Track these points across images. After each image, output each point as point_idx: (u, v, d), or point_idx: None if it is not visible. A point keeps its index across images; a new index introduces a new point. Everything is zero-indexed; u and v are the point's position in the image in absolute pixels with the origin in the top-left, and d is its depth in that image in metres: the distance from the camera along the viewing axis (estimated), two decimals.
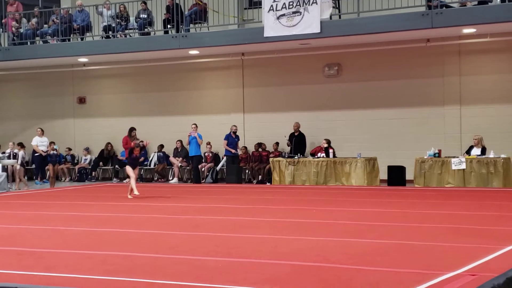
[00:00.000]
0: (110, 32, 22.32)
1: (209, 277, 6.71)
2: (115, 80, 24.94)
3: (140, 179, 21.66)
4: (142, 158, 21.36)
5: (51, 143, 21.80)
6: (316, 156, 19.98)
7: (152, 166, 23.41)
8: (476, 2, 18.11)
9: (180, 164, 22.80)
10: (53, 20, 23.30)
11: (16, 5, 24.14)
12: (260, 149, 22.07)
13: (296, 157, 19.90)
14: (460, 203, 14.02)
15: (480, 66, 19.95)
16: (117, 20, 22.19)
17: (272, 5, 19.34)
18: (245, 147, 22.17)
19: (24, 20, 23.97)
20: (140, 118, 23.79)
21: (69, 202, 15.58)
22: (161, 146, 23.43)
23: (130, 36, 22.41)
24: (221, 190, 18.70)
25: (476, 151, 18.26)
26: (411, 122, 20.52)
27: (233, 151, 21.19)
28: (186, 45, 20.88)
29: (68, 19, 22.80)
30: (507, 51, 19.66)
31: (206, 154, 22.43)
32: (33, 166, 23.13)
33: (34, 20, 23.48)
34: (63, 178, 24.35)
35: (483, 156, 17.87)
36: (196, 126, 21.26)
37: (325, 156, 19.65)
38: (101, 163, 24.36)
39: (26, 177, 21.93)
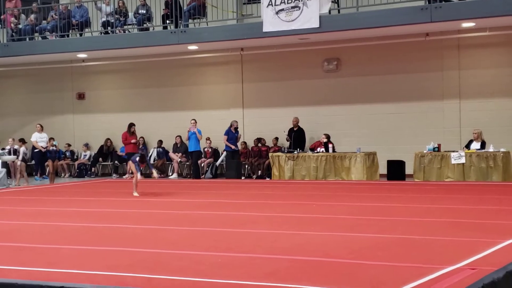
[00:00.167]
0: (109, 28, 22.31)
1: (209, 272, 6.71)
2: (114, 75, 24.93)
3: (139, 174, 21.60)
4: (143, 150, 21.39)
5: (51, 139, 21.78)
6: (315, 151, 19.97)
7: (151, 161, 23.40)
8: None
9: (179, 160, 22.80)
10: (52, 16, 23.28)
11: (14, 1, 24.12)
12: (259, 144, 22.07)
13: (295, 152, 19.89)
14: (460, 197, 14.03)
15: (479, 60, 19.95)
16: (116, 16, 22.17)
17: (271, 0, 19.31)
18: (245, 142, 22.17)
19: (22, 16, 23.95)
20: (139, 114, 23.78)
21: (68, 198, 15.58)
22: (161, 141, 23.43)
23: (129, 32, 22.39)
24: (220, 186, 18.71)
25: (475, 145, 18.26)
26: (410, 116, 20.52)
27: (233, 147, 21.18)
28: (185, 40, 20.86)
29: (67, 15, 22.79)
30: (506, 45, 19.65)
31: (206, 149, 22.43)
32: (33, 162, 23.13)
33: (32, 16, 23.46)
34: (62, 174, 24.36)
35: (483, 150, 17.86)
36: (196, 122, 21.25)
37: (324, 151, 19.64)
38: (100, 159, 24.37)
39: (26, 173, 21.93)
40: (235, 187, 18.11)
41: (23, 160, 21.81)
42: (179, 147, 23.03)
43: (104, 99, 24.98)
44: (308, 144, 21.27)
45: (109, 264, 7.24)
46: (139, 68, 24.02)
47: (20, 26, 23.49)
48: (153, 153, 23.47)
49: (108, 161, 24.42)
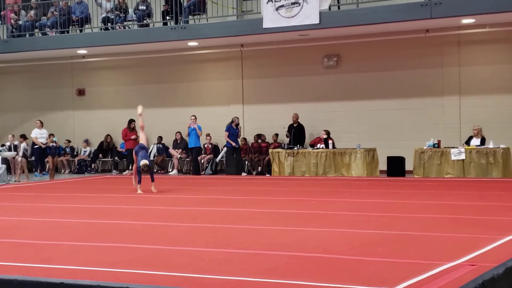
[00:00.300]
0: (109, 24, 22.29)
1: (209, 269, 6.71)
2: (114, 72, 24.93)
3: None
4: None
5: (51, 135, 21.79)
6: (315, 147, 19.98)
7: (151, 157, 23.40)
8: None
9: (179, 156, 22.81)
10: (52, 12, 23.26)
11: None
12: (259, 141, 22.07)
13: (295, 148, 19.90)
14: (460, 193, 14.03)
15: (479, 56, 19.95)
16: (116, 12, 22.16)
17: None
18: (245, 139, 22.18)
19: (22, 12, 23.94)
20: None
21: (68, 194, 15.57)
22: (160, 137, 23.43)
23: (129, 28, 22.38)
24: (220, 182, 18.71)
25: (475, 142, 18.26)
26: (410, 112, 20.52)
27: (233, 144, 21.15)
28: (185, 36, 20.85)
29: (67, 11, 22.78)
30: (506, 42, 19.66)
31: (206, 145, 22.43)
32: (33, 158, 23.13)
33: (32, 12, 23.44)
34: (62, 170, 24.36)
35: (483, 147, 17.87)
36: (196, 118, 21.25)
37: (324, 147, 19.65)
38: (100, 155, 24.37)
39: (27, 169, 21.94)
40: (235, 183, 18.10)
41: (24, 156, 21.80)
42: (179, 143, 23.03)
43: (104, 95, 24.98)
44: (308, 140, 21.28)
45: (109, 260, 7.25)
46: (139, 64, 24.02)
47: (20, 22, 23.48)
48: (153, 149, 23.47)
49: (108, 157, 24.42)
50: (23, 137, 23.17)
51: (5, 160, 20.95)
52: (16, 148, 21.97)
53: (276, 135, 21.87)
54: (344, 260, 7.07)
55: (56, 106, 25.48)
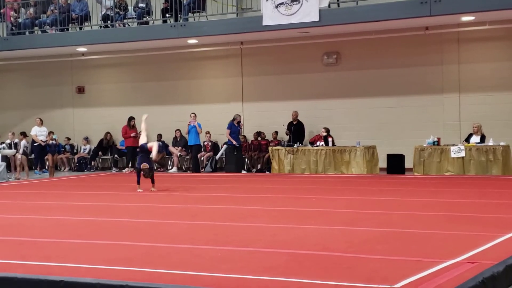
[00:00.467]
0: (109, 22, 22.28)
1: (209, 266, 6.71)
2: (114, 69, 24.91)
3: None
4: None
5: (50, 132, 21.78)
6: (315, 145, 19.98)
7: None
8: None
9: (179, 154, 22.80)
10: (51, 10, 23.25)
11: None
12: (259, 138, 22.08)
13: (295, 146, 19.90)
14: (460, 191, 14.03)
15: (479, 54, 19.94)
16: (116, 10, 22.15)
17: None
18: (244, 136, 22.17)
19: (22, 10, 23.92)
20: (139, 108, 23.71)
21: (68, 192, 15.58)
22: (160, 135, 23.39)
23: (129, 26, 22.37)
24: (220, 179, 18.71)
25: (475, 139, 18.26)
26: (410, 110, 20.52)
27: (234, 142, 21.11)
28: (184, 34, 20.84)
29: (66, 8, 22.76)
30: (505, 39, 19.65)
31: (205, 143, 22.43)
32: (32, 156, 23.13)
33: (32, 10, 23.43)
34: (62, 168, 24.37)
35: (482, 144, 17.87)
36: (195, 115, 21.25)
37: (324, 145, 19.65)
38: (100, 153, 24.38)
39: (27, 167, 21.93)
40: (235, 181, 18.11)
41: (24, 153, 21.80)
42: (179, 141, 23.03)
43: (104, 93, 24.97)
44: (307, 137, 21.28)
45: (109, 258, 7.25)
46: (139, 62, 24.01)
47: (19, 20, 23.46)
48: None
49: (107, 155, 24.43)
50: (23, 134, 23.16)
51: (5, 158, 20.95)
52: (16, 145, 21.96)
53: (276, 132, 21.87)
54: (344, 258, 7.08)
55: (56, 104, 25.47)
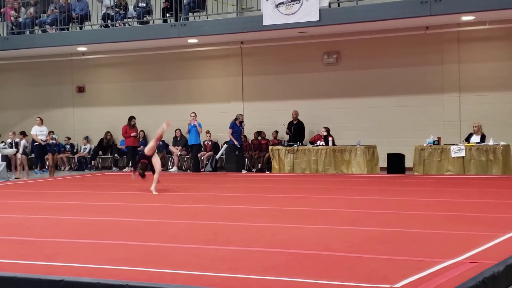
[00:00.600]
0: (109, 21, 22.28)
1: (209, 266, 6.71)
2: (114, 69, 24.91)
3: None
4: (141, 147, 21.30)
5: (50, 132, 21.78)
6: (315, 144, 19.98)
7: None
8: None
9: (179, 153, 22.81)
10: (52, 9, 23.25)
11: None
12: (259, 138, 22.08)
13: (295, 146, 19.89)
14: (460, 190, 14.02)
15: (479, 53, 19.94)
16: (116, 9, 22.15)
17: None
18: (245, 136, 22.16)
19: (22, 9, 23.93)
20: (139, 107, 23.78)
21: (68, 191, 15.58)
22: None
23: (129, 25, 22.37)
24: (220, 179, 18.71)
25: (475, 139, 18.26)
26: (410, 110, 20.52)
27: (236, 142, 21.07)
28: (185, 33, 20.84)
29: (67, 8, 22.77)
30: (506, 39, 19.65)
31: (206, 142, 22.43)
32: (33, 155, 23.12)
33: (32, 9, 23.43)
34: (62, 167, 24.37)
35: (483, 144, 17.87)
36: (196, 115, 21.24)
37: (324, 144, 19.64)
38: (100, 152, 24.39)
39: (27, 166, 21.93)
40: (235, 180, 18.11)
41: (24, 153, 21.80)
42: (179, 140, 23.03)
43: (104, 92, 24.97)
44: (307, 137, 21.28)
45: (109, 258, 7.25)
46: (139, 61, 24.01)
47: (20, 20, 23.46)
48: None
49: (108, 154, 24.43)
50: (23, 134, 23.16)
51: (5, 157, 20.95)
52: (16, 145, 21.96)
53: (276, 132, 21.87)
54: (344, 257, 7.07)
55: (56, 103, 25.47)
